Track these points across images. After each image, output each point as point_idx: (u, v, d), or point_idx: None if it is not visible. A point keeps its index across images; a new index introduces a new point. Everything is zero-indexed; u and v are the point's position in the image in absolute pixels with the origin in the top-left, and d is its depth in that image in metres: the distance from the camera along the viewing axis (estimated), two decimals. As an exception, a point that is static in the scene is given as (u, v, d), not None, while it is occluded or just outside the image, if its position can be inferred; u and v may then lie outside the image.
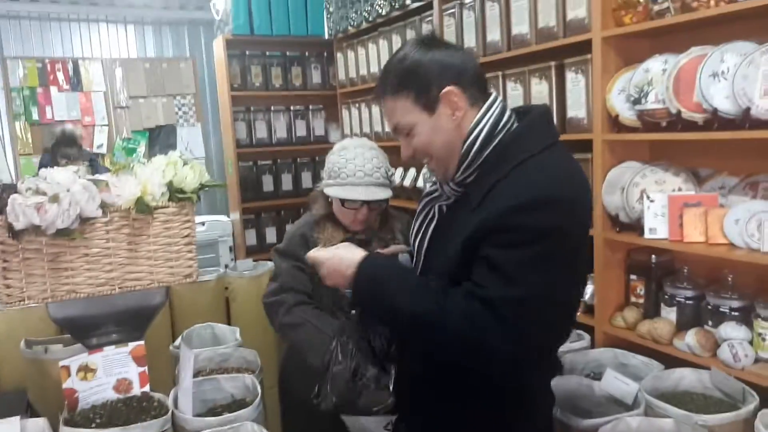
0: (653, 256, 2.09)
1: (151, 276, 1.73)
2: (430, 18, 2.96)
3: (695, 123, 1.82)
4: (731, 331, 1.79)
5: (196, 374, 1.93)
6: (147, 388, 1.70)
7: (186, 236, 1.75)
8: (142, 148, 5.14)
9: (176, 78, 5.22)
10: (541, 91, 2.32)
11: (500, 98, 1.28)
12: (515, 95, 2.44)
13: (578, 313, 2.23)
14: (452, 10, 2.78)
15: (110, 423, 1.55)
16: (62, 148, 4.02)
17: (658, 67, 1.91)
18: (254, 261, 3.42)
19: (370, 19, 3.47)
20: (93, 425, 1.55)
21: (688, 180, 2.00)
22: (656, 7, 1.89)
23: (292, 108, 4.28)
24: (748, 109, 1.65)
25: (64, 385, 1.60)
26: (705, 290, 1.95)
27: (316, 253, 1.36)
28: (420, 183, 3.10)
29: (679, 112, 1.83)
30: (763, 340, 1.74)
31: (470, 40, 2.67)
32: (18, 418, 1.57)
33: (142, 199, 1.65)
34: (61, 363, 1.60)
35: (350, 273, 1.25)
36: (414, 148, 1.27)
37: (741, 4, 1.66)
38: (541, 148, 1.19)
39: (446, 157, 1.25)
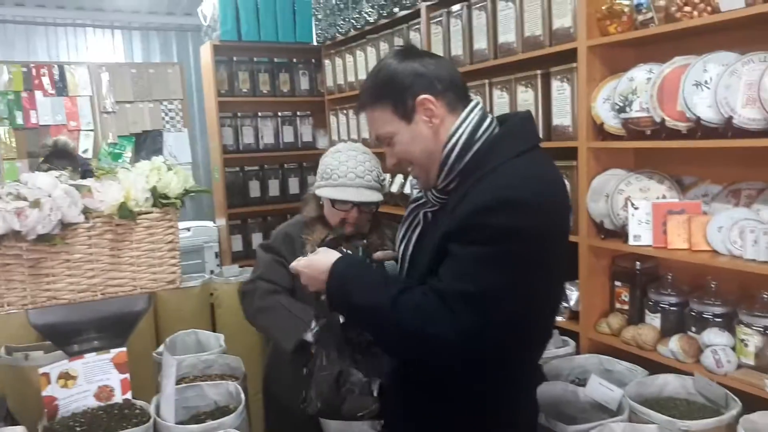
0: (638, 263, 2.10)
1: (134, 282, 1.71)
2: (417, 26, 2.97)
3: (679, 131, 1.84)
4: (714, 337, 1.81)
5: (179, 381, 1.92)
6: (129, 396, 1.68)
7: (169, 242, 1.73)
8: (128, 154, 5.10)
9: (163, 83, 5.19)
10: (527, 99, 2.33)
11: (480, 105, 1.29)
12: (501, 103, 2.45)
13: (563, 319, 2.26)
14: (439, 19, 2.79)
15: (90, 431, 1.53)
16: (55, 160, 3.97)
17: (642, 76, 1.93)
18: (240, 267, 3.41)
19: (358, 26, 3.48)
20: (72, 433, 1.53)
21: (672, 188, 2.02)
22: (641, 17, 1.91)
23: (279, 114, 4.27)
24: (730, 118, 1.67)
25: (44, 393, 1.58)
26: (688, 297, 1.97)
27: (296, 264, 1.38)
28: (407, 189, 3.10)
29: (663, 121, 1.85)
30: (746, 346, 1.75)
31: (457, 49, 2.69)
32: (-4, 426, 1.54)
33: (126, 205, 1.63)
34: (41, 370, 1.58)
35: (324, 278, 1.27)
36: (396, 156, 1.29)
37: (723, 15, 1.68)
38: (517, 153, 1.20)
39: (427, 165, 1.27)
